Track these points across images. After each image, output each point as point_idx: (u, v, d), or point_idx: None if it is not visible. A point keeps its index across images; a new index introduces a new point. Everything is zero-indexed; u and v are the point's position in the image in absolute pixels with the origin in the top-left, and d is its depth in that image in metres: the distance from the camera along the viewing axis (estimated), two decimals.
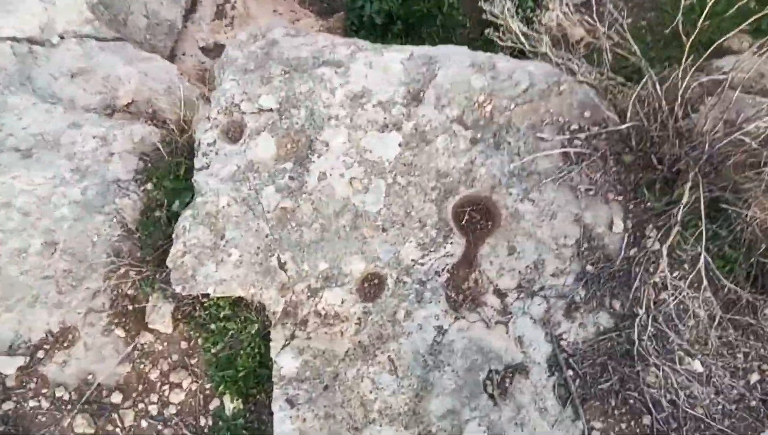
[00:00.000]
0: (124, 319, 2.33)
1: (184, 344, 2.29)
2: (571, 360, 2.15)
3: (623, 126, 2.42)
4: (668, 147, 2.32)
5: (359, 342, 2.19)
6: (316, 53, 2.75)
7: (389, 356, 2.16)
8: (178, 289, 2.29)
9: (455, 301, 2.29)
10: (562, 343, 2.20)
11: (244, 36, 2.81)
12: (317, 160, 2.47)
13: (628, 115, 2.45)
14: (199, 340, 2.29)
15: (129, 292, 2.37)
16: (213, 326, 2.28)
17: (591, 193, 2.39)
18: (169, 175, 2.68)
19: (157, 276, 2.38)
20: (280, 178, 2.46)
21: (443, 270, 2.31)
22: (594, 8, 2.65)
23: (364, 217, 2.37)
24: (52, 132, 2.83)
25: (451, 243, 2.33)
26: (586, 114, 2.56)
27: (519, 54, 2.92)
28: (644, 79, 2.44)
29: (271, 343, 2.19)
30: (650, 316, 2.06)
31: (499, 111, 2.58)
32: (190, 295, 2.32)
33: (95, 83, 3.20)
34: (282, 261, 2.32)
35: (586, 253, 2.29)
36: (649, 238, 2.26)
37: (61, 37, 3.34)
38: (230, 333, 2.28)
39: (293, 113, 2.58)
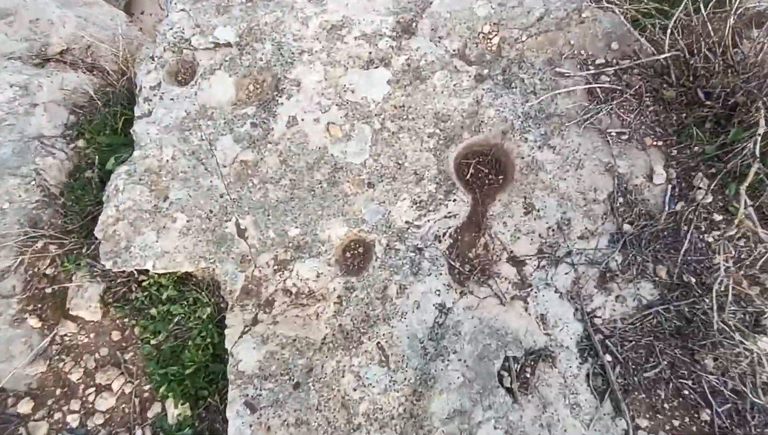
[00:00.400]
0: (39, 306, 1.83)
1: (116, 335, 1.79)
2: (608, 342, 1.70)
3: (661, 56, 1.97)
4: (720, 78, 1.87)
5: (340, 326, 1.71)
6: None
7: (378, 343, 1.69)
8: (108, 265, 1.79)
9: (461, 273, 1.82)
10: (596, 321, 1.74)
11: None
12: (286, 103, 1.98)
13: (666, 44, 2.00)
14: (136, 330, 1.79)
15: (47, 271, 1.86)
16: (153, 311, 1.79)
17: (624, 137, 1.94)
18: (105, 129, 2.17)
19: (84, 250, 1.88)
20: (239, 125, 1.97)
21: (445, 234, 1.84)
22: None
23: (346, 170, 1.89)
24: None
25: (454, 201, 1.86)
26: (614, 46, 2.10)
27: None
28: (684, 1, 1.98)
29: (227, 331, 1.70)
30: (720, 284, 1.61)
31: (509, 43, 2.12)
32: (124, 272, 1.82)
33: (21, 27, 2.66)
34: (241, 227, 1.83)
35: (621, 210, 1.84)
36: (700, 188, 1.81)
37: None
38: (175, 319, 1.79)
39: (257, 48, 2.08)
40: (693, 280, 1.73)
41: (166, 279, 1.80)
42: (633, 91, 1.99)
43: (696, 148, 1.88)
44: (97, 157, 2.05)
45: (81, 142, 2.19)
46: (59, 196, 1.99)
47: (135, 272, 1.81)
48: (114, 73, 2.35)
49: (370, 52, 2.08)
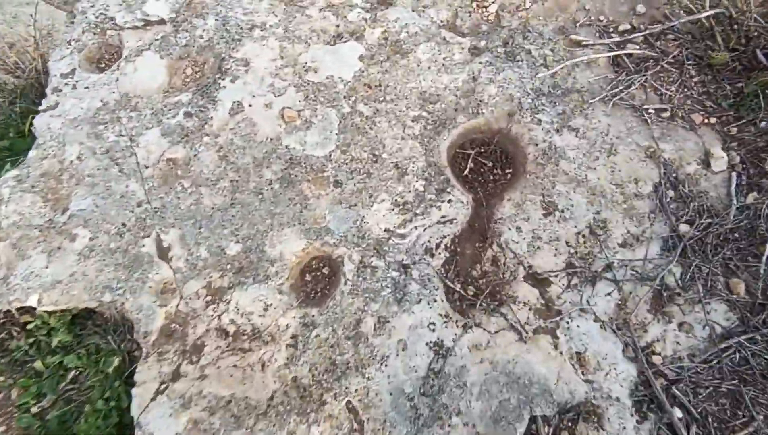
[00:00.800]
0: None
1: None
2: (675, 390, 1.20)
3: (702, 14, 1.55)
4: None
5: (294, 379, 1.21)
6: None
7: (349, 403, 1.18)
8: None
9: (462, 298, 1.33)
10: (655, 359, 1.24)
11: None
12: (230, 86, 1.55)
13: (707, 2, 1.59)
14: (13, 392, 1.28)
15: None
16: (39, 365, 1.28)
17: (665, 114, 1.50)
18: (8, 132, 1.72)
19: None
20: (170, 116, 1.52)
21: (439, 246, 1.36)
22: None
23: (304, 166, 1.43)
24: None
25: (450, 201, 1.39)
26: (639, 9, 1.70)
27: None
28: None
29: (135, 391, 1.19)
30: None
31: (509, 11, 1.71)
32: (1, 312, 1.33)
33: None
34: (164, 244, 1.35)
35: (673, 206, 1.38)
36: None
37: None
38: (69, 375, 1.28)
39: (196, 24, 1.66)
40: None
41: (57, 320, 1.30)
42: (671, 58, 1.57)
43: (763, 124, 1.44)
44: None
45: None
46: None
47: (14, 312, 1.32)
48: (27, 70, 1.92)
49: (338, 26, 1.66)
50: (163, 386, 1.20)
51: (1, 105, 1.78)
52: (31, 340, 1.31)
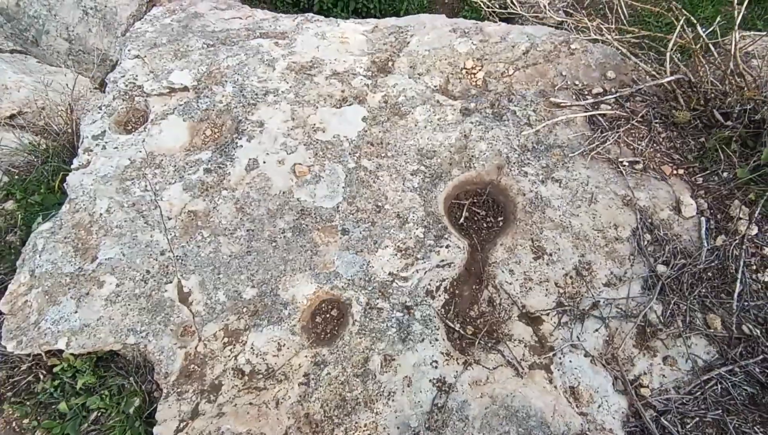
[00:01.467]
0: None
1: None
2: (664, 420, 1.28)
3: (664, 79, 1.77)
4: (737, 98, 1.66)
5: (307, 415, 1.28)
6: (252, 26, 2.12)
7: None
8: (10, 347, 1.39)
9: (462, 337, 1.43)
10: (643, 392, 1.33)
11: (160, 10, 2.17)
12: (246, 145, 1.72)
13: (668, 69, 1.82)
14: (37, 434, 1.34)
15: None
16: (63, 406, 1.35)
17: (638, 166, 1.67)
18: (40, 188, 1.87)
19: None
20: (191, 172, 1.68)
21: (439, 288, 1.48)
22: None
23: (315, 217, 1.57)
24: None
25: (447, 247, 1.53)
26: (609, 75, 1.92)
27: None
28: (679, 25, 1.84)
29: (156, 430, 1.26)
30: None
31: (495, 77, 1.93)
32: (30, 355, 1.41)
33: None
34: (184, 289, 1.46)
35: (651, 249, 1.51)
36: (740, 218, 1.51)
37: None
38: (92, 416, 1.35)
39: (216, 91, 1.86)
40: (758, 331, 1.36)
41: (83, 363, 1.39)
42: (639, 117, 1.77)
43: (725, 174, 1.61)
44: (20, 217, 1.73)
45: (9, 204, 1.87)
46: None
47: (44, 356, 1.40)
48: (60, 132, 2.10)
49: (343, 91, 1.86)
50: (182, 424, 1.27)
51: (35, 163, 1.94)
52: (56, 382, 1.39)
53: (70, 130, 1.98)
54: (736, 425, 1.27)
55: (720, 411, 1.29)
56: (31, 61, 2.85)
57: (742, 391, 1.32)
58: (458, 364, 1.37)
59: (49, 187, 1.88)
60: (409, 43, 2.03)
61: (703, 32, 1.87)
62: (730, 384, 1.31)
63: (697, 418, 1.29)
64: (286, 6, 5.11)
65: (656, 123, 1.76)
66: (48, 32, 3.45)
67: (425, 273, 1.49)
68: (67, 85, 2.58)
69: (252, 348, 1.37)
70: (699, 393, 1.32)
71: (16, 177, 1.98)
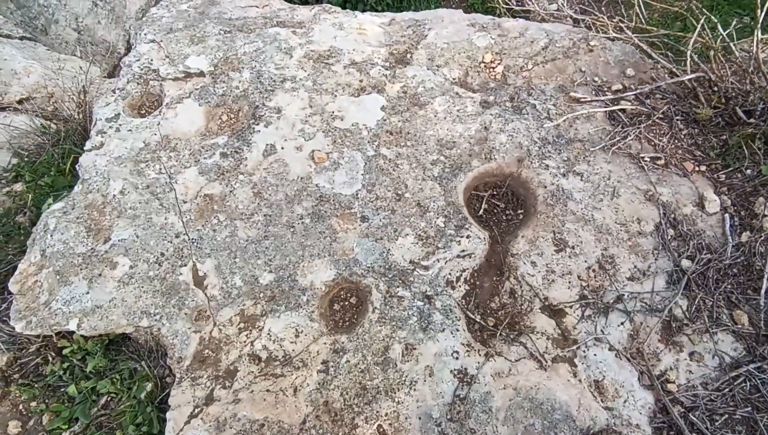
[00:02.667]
0: None
1: (14, 427, 1.28)
2: (692, 417, 1.25)
3: (685, 77, 1.76)
4: (759, 95, 1.65)
5: (326, 403, 1.24)
6: (269, 15, 2.10)
7: (380, 427, 1.21)
8: (18, 327, 1.34)
9: (483, 328, 1.40)
10: (670, 387, 1.30)
11: None
12: (264, 131, 1.69)
13: (688, 66, 1.81)
14: (44, 418, 1.29)
15: None
16: (72, 389, 1.30)
17: (660, 162, 1.66)
18: (50, 170, 1.83)
19: None
20: (207, 156, 1.65)
21: (459, 279, 1.45)
22: None
23: (333, 203, 1.54)
24: None
25: (468, 237, 1.50)
26: (629, 72, 1.91)
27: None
28: (700, 23, 1.84)
29: (170, 414, 1.22)
30: None
31: (514, 72, 1.92)
32: (40, 336, 1.37)
33: None
34: (200, 273, 1.42)
35: (674, 244, 1.49)
36: (766, 215, 1.49)
37: None
38: (102, 400, 1.30)
39: (232, 76, 1.84)
40: None
41: (94, 345, 1.34)
42: (660, 113, 1.75)
43: (749, 171, 1.60)
44: (31, 198, 1.69)
45: (18, 186, 1.83)
46: None
47: (54, 337, 1.35)
48: (71, 117, 2.07)
49: (361, 80, 1.84)
50: (197, 410, 1.23)
51: (45, 146, 1.90)
52: (66, 365, 1.34)
53: (82, 114, 1.94)
54: (767, 423, 1.24)
55: (749, 408, 1.26)
56: (40, 49, 2.82)
57: None
58: (480, 355, 1.34)
59: (60, 169, 1.84)
60: (426, 36, 2.02)
61: (724, 32, 1.87)
62: (759, 381, 1.29)
63: (726, 415, 1.26)
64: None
65: (677, 120, 1.75)
66: (57, 21, 3.42)
67: (446, 263, 1.46)
68: (81, 67, 2.55)
69: (269, 334, 1.34)
70: (727, 390, 1.29)
71: (26, 159, 1.94)
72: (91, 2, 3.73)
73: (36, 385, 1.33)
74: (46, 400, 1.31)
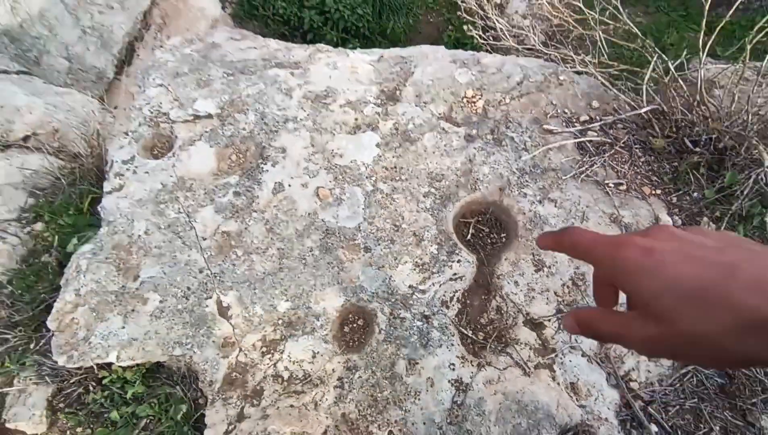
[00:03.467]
0: None
1: None
2: (650, 409, 1.49)
3: (641, 110, 2.01)
4: (702, 127, 1.91)
5: (343, 415, 1.44)
6: (267, 56, 2.27)
7: (390, 432, 1.42)
8: (61, 362, 1.50)
9: (474, 342, 1.62)
10: (633, 385, 1.54)
11: (178, 40, 2.31)
12: (271, 170, 1.87)
13: (644, 100, 2.07)
14: None
15: None
16: (114, 415, 1.47)
17: (622, 187, 1.90)
18: (69, 210, 1.97)
19: (32, 345, 1.58)
20: (221, 195, 1.82)
21: (452, 299, 1.66)
22: None
23: (339, 235, 1.74)
24: None
25: (459, 261, 1.71)
26: (594, 104, 2.16)
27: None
28: (653, 61, 2.10)
29: (207, 432, 1.40)
30: None
31: (493, 106, 2.14)
32: (81, 369, 1.52)
33: None
34: (224, 304, 1.60)
35: None
36: None
37: None
38: (142, 423, 1.47)
39: (239, 118, 2.01)
40: None
41: (132, 374, 1.51)
42: (622, 143, 2.00)
43: (695, 194, 1.85)
44: (56, 239, 1.83)
45: (39, 226, 1.97)
46: (6, 285, 1.72)
47: (95, 368, 1.51)
48: (83, 154, 2.20)
49: (356, 118, 2.04)
50: (231, 427, 1.41)
51: (59, 185, 2.04)
52: (106, 393, 1.50)
53: (95, 154, 2.08)
54: (710, 411, 1.49)
55: (696, 399, 1.51)
56: (37, 82, 2.92)
57: (714, 382, 1.54)
58: (473, 366, 1.56)
59: (78, 208, 1.98)
60: (413, 73, 2.23)
61: (672, 63, 2.13)
62: (703, 376, 1.54)
63: (678, 406, 1.51)
64: (277, 24, 5.26)
65: (636, 148, 2.00)
66: (49, 52, 3.51)
67: (440, 286, 1.67)
68: (82, 108, 2.67)
69: (289, 356, 1.53)
70: (678, 385, 1.54)
71: (42, 199, 2.07)
72: (80, 30, 3.82)
73: (80, 413, 1.48)
74: (91, 426, 1.47)
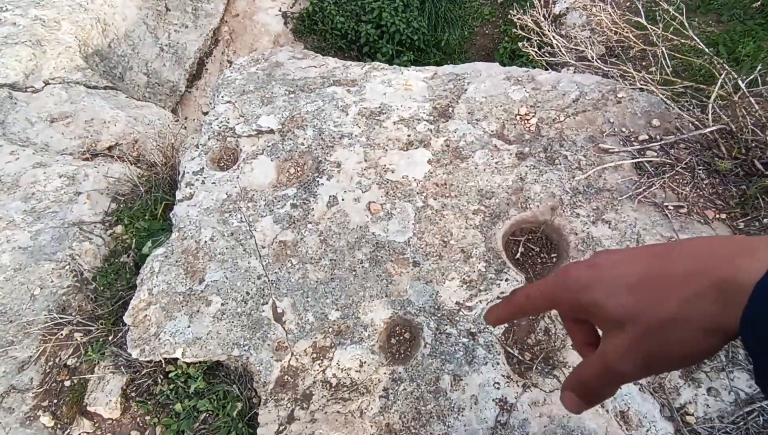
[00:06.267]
0: (55, 401, 1.66)
1: None
2: None
3: (707, 129, 1.93)
4: None
5: (387, 425, 1.49)
6: (326, 74, 2.39)
7: None
8: (134, 354, 1.65)
9: (520, 362, 1.61)
10: (689, 419, 1.48)
11: (245, 59, 2.48)
12: (326, 184, 1.97)
13: (710, 118, 1.97)
14: (158, 430, 1.59)
15: (69, 361, 1.72)
16: (178, 407, 1.60)
17: (683, 210, 1.83)
18: (145, 215, 2.17)
19: (111, 338, 1.76)
20: (279, 206, 1.94)
21: None
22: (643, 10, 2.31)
23: (388, 249, 1.80)
24: (12, 173, 2.39)
25: (507, 280, 1.72)
26: (655, 123, 2.09)
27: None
28: (721, 77, 2.00)
29: (260, 431, 1.49)
30: None
31: (547, 123, 2.12)
32: (151, 362, 1.67)
33: (76, 127, 2.84)
34: (279, 310, 1.70)
35: None
36: None
37: (46, 83, 3.04)
38: (201, 417, 1.59)
39: (298, 134, 2.13)
40: None
41: (195, 370, 1.64)
42: (684, 164, 1.92)
43: (766, 220, 1.75)
44: (134, 241, 2.02)
45: (119, 228, 2.18)
46: (91, 281, 1.93)
47: (162, 362, 1.66)
48: (158, 163, 2.42)
49: (409, 135, 2.10)
50: (281, 427, 1.50)
51: (138, 193, 2.24)
52: (171, 386, 1.64)
53: (170, 164, 2.28)
54: None
55: None
56: (121, 97, 3.22)
57: None
58: (518, 386, 1.55)
59: (153, 214, 2.17)
60: (466, 90, 2.26)
61: (743, 79, 2.02)
62: None
63: None
64: (335, 38, 5.46)
65: (699, 170, 1.91)
66: (131, 68, 3.85)
67: (487, 303, 1.68)
68: (158, 120, 2.91)
69: (338, 363, 1.59)
70: (742, 423, 1.45)
71: (123, 204, 2.29)
72: (158, 48, 4.16)
73: (149, 402, 1.63)
74: (158, 415, 1.61)
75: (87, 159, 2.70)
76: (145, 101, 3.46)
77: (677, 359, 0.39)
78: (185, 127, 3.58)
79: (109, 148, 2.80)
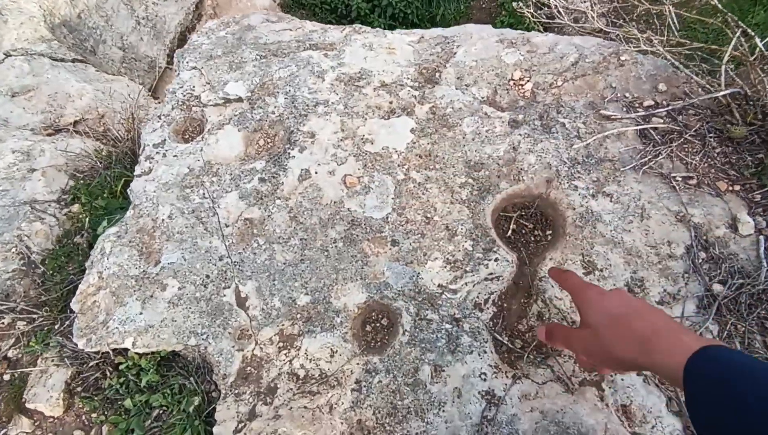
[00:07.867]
0: None
1: None
2: None
3: (719, 93, 1.73)
4: None
5: (359, 422, 1.32)
6: (302, 37, 2.18)
7: None
8: (80, 344, 1.48)
9: (510, 350, 1.44)
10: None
11: (214, 23, 2.27)
12: (298, 156, 1.78)
13: (723, 82, 1.78)
14: (104, 429, 1.42)
15: (9, 353, 1.55)
16: (128, 403, 1.43)
17: (692, 182, 1.64)
18: (103, 192, 1.98)
19: (56, 326, 1.58)
20: (246, 180, 1.75)
21: (487, 301, 1.49)
22: None
23: (365, 227, 1.61)
24: None
25: (496, 260, 1.54)
26: (661, 87, 1.89)
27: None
28: (735, 37, 1.80)
29: (216, 429, 1.33)
30: None
31: (543, 89, 1.93)
32: (99, 353, 1.50)
33: (39, 101, 2.63)
34: (242, 294, 1.53)
35: (706, 267, 1.49)
36: None
37: (7, 55, 2.83)
38: (155, 413, 1.42)
39: (268, 102, 1.93)
40: None
41: (147, 361, 1.47)
42: (693, 131, 1.73)
43: None
44: (88, 220, 1.84)
45: (76, 207, 1.99)
46: (40, 265, 1.75)
47: (111, 353, 1.49)
48: (121, 139, 2.22)
49: (391, 102, 1.90)
50: (240, 425, 1.33)
51: (98, 169, 2.06)
52: (122, 379, 1.47)
53: (130, 138, 2.09)
54: None
55: None
56: (90, 70, 3.01)
57: None
58: (507, 377, 1.39)
59: (112, 191, 1.99)
60: (455, 53, 2.05)
61: (761, 40, 1.82)
62: None
63: None
64: (325, 12, 5.21)
65: (710, 137, 1.72)
66: (104, 42, 3.63)
67: (474, 286, 1.50)
68: (129, 94, 2.71)
69: (306, 353, 1.42)
70: None
71: (81, 181, 2.10)
72: (134, 21, 3.92)
73: (96, 398, 1.46)
74: (105, 412, 1.44)
75: (50, 134, 2.50)
76: (119, 76, 3.26)
77: (613, 365, 0.81)
78: (160, 102, 3.38)
79: (74, 123, 2.60)
